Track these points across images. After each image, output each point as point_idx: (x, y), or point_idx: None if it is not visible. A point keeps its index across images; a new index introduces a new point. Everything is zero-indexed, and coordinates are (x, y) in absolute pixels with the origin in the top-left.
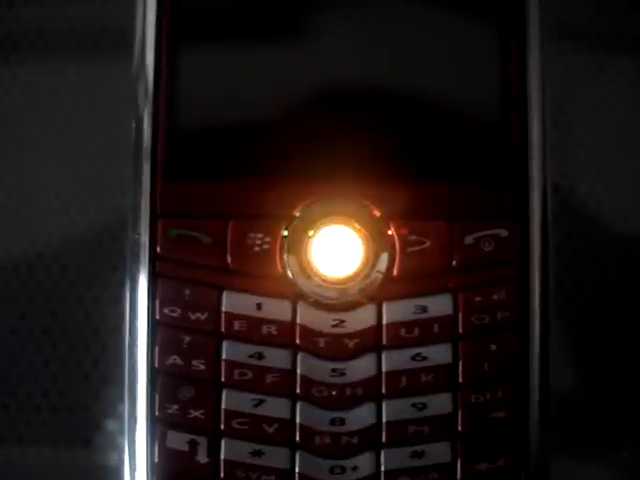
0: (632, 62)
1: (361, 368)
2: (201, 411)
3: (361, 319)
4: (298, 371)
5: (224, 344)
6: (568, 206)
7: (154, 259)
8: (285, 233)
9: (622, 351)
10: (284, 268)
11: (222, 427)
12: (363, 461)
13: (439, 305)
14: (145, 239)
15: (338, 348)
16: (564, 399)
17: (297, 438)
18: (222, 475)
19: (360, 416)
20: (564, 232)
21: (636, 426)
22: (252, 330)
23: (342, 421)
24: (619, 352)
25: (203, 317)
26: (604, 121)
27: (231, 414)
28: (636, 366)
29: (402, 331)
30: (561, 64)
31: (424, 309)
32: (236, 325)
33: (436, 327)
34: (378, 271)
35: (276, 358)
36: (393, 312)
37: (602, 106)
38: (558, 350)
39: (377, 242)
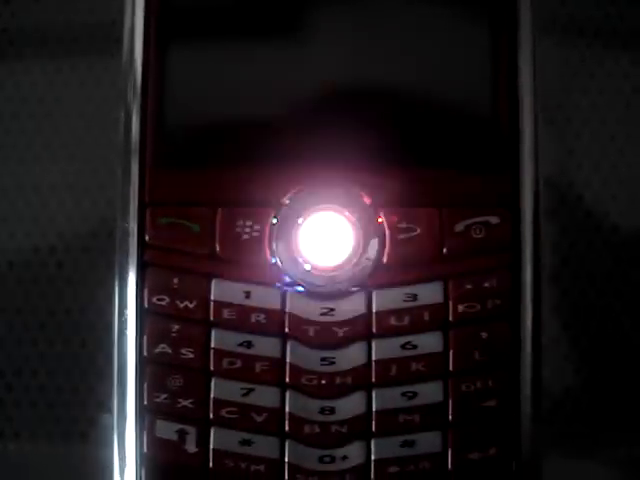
0: (629, 56)
1: (351, 356)
2: (190, 400)
3: (351, 307)
4: (287, 360)
5: (213, 332)
6: (565, 200)
7: (143, 247)
8: (274, 221)
9: (619, 346)
10: (273, 256)
11: (211, 416)
12: (353, 450)
13: (429, 293)
14: (133, 227)
15: (328, 336)
16: (560, 394)
17: (286, 427)
18: (211, 464)
19: (350, 405)
20: (561, 226)
21: (632, 422)
22: (241, 318)
23: (332, 410)
24: (616, 347)
25: (192, 305)
26: (601, 115)
27: (220, 403)
28: (633, 361)
29: (392, 319)
30: (558, 58)
31: (414, 297)
32: (225, 313)
33: (426, 315)
34: (368, 259)
35: (265, 347)
36: (383, 300)
37: (599, 100)
38: (555, 345)
39: (367, 229)
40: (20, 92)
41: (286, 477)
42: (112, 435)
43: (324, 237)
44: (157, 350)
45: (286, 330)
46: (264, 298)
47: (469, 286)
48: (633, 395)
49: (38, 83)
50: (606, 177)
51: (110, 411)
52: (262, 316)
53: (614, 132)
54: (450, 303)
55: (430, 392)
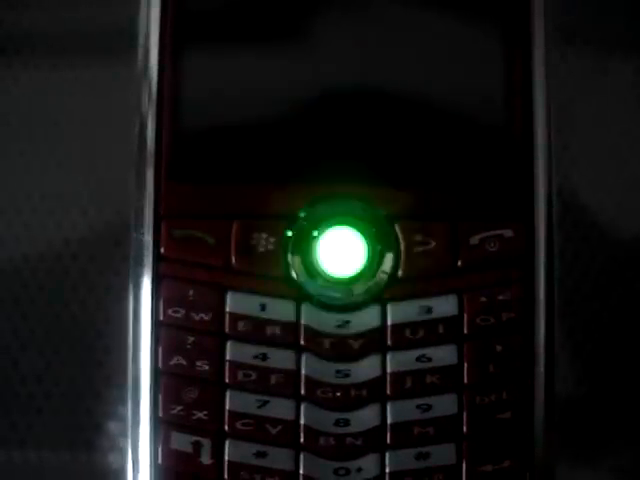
0: (633, 65)
1: (366, 369)
2: (205, 412)
3: (366, 320)
4: (302, 372)
5: (228, 345)
6: (570, 210)
7: (158, 260)
8: (289, 233)
9: (624, 354)
10: (288, 269)
11: (226, 428)
12: (368, 463)
13: (444, 306)
14: (149, 240)
15: (343, 349)
16: (568, 402)
17: (301, 439)
18: (226, 476)
19: (365, 417)
20: (565, 236)
21: (637, 430)
22: (256, 331)
23: (346, 422)
24: (621, 356)
25: (207, 318)
26: (606, 125)
27: (235, 415)
28: (637, 369)
29: (407, 332)
30: (564, 69)
31: (429, 310)
32: (240, 326)
33: (441, 328)
34: (383, 272)
35: (280, 359)
36: (398, 313)
37: (604, 111)
38: (561, 354)
39: (382, 242)
40: (27, 100)
41: None
42: (126, 445)
43: (339, 250)
44: (172, 362)
45: (301, 342)
46: (279, 310)
47: (483, 299)
48: (638, 403)
49: (45, 91)
50: (611, 187)
51: (118, 419)
52: (277, 328)
53: (619, 143)
54: (465, 316)
55: (445, 405)
